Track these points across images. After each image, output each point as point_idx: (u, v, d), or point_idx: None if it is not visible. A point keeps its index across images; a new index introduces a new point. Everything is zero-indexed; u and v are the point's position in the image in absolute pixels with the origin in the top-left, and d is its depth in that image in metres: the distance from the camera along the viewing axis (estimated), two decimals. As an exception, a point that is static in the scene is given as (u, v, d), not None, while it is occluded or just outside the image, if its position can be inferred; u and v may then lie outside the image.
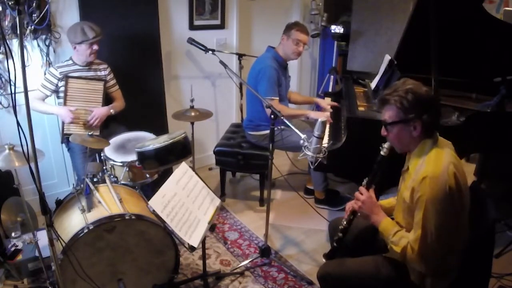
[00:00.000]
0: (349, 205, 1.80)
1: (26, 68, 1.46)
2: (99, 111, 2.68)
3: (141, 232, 2.03)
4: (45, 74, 2.69)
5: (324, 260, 1.85)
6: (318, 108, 3.50)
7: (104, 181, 2.30)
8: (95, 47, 2.60)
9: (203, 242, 2.14)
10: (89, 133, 2.24)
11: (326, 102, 3.28)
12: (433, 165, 1.49)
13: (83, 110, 2.67)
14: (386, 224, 1.64)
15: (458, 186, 1.48)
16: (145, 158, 2.26)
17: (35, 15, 2.60)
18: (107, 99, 2.81)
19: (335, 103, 3.24)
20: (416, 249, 1.49)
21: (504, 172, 2.98)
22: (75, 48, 2.59)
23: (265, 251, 2.56)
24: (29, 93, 1.45)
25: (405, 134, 1.58)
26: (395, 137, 1.61)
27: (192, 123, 2.83)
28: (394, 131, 1.60)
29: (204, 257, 2.26)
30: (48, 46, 2.77)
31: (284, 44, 3.00)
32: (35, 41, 2.71)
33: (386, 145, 1.68)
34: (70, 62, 2.68)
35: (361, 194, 1.72)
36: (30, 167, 1.47)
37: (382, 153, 1.69)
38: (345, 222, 1.78)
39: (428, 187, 1.46)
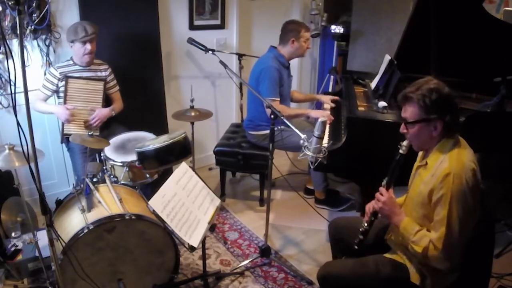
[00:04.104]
0: (369, 206, 1.76)
1: (26, 68, 1.46)
2: (101, 113, 2.68)
3: (141, 232, 2.03)
4: (45, 74, 2.69)
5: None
6: (319, 107, 3.51)
7: (104, 181, 2.30)
8: (89, 46, 2.57)
9: (203, 242, 2.14)
10: (89, 133, 2.24)
11: (327, 98, 3.30)
12: (456, 162, 1.49)
13: (83, 109, 2.67)
14: (406, 224, 1.62)
15: (478, 185, 1.50)
16: (145, 158, 2.26)
17: (35, 15, 2.60)
18: (106, 100, 2.81)
19: (336, 97, 3.26)
20: (440, 247, 1.48)
21: (504, 172, 2.98)
22: (72, 47, 2.60)
23: (265, 251, 2.56)
24: (30, 93, 1.45)
25: (425, 133, 1.58)
26: (414, 135, 1.60)
27: (192, 123, 2.83)
28: (414, 130, 1.59)
29: (204, 257, 2.26)
30: (48, 46, 2.77)
31: (294, 46, 3.01)
32: (35, 41, 2.71)
33: (405, 143, 1.65)
34: (71, 62, 2.68)
35: (381, 195, 1.68)
36: (30, 167, 1.47)
37: (401, 151, 1.65)
38: (365, 224, 1.75)
39: (453, 184, 1.45)
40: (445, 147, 1.56)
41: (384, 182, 1.71)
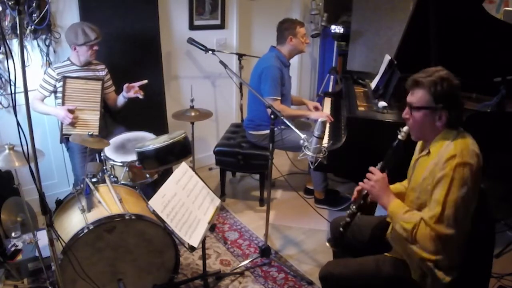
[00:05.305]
0: (359, 184, 1.73)
1: (26, 68, 1.46)
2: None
3: (141, 232, 2.03)
4: (44, 74, 2.69)
5: (327, 245, 1.81)
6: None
7: (104, 181, 2.30)
8: (96, 47, 2.61)
9: (203, 242, 2.14)
10: (89, 133, 2.24)
11: (312, 104, 3.32)
12: (461, 147, 1.48)
13: (82, 109, 2.66)
14: (396, 204, 1.60)
15: (481, 170, 1.48)
16: (145, 158, 2.26)
17: (35, 15, 2.60)
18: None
19: (317, 104, 3.30)
20: (432, 225, 1.46)
21: (504, 172, 2.98)
22: (75, 49, 2.59)
23: (265, 251, 2.56)
24: (29, 93, 1.45)
25: (429, 122, 1.55)
26: (417, 122, 1.58)
27: (192, 123, 2.83)
28: (418, 115, 1.56)
29: (204, 257, 2.27)
30: (48, 46, 2.77)
31: (293, 43, 3.03)
32: (35, 41, 2.71)
33: (405, 129, 1.63)
34: (68, 62, 2.67)
35: (373, 174, 1.66)
36: (30, 167, 1.47)
37: (399, 137, 1.63)
38: (354, 207, 1.73)
39: (456, 165, 1.44)
40: (449, 136, 1.55)
41: (378, 166, 1.69)
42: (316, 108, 3.24)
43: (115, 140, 2.57)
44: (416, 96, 1.56)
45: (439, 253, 1.50)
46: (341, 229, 1.76)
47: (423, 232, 1.48)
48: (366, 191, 1.71)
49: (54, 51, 2.82)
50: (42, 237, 2.12)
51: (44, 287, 2.25)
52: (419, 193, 1.61)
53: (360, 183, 1.72)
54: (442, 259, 1.52)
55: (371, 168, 1.68)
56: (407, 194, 1.75)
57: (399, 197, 1.73)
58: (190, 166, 2.10)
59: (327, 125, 2.77)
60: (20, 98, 2.11)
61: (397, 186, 1.89)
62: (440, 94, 1.50)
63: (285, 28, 3.02)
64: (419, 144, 1.75)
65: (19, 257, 2.33)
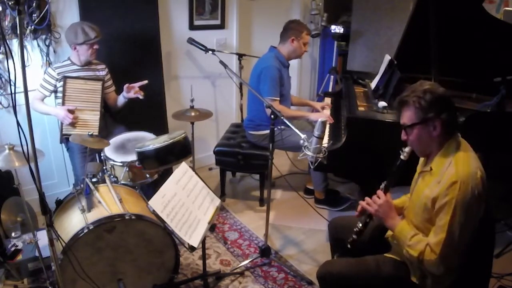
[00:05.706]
0: (362, 205, 1.74)
1: (26, 68, 1.46)
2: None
3: (141, 232, 2.03)
4: (44, 73, 2.69)
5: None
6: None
7: (104, 181, 2.30)
8: (96, 46, 2.61)
9: (203, 242, 2.14)
10: (89, 133, 2.24)
11: (320, 104, 3.30)
12: (462, 169, 1.49)
13: (82, 109, 2.66)
14: (402, 228, 1.62)
15: (484, 193, 1.49)
16: (145, 158, 2.26)
17: (35, 15, 2.60)
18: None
19: (328, 104, 3.27)
20: (438, 252, 1.48)
21: (504, 172, 2.98)
22: (75, 48, 2.59)
23: (265, 251, 2.56)
24: (29, 93, 1.45)
25: (425, 135, 1.57)
26: (415, 139, 1.60)
27: (192, 123, 2.83)
28: (414, 133, 1.59)
29: (204, 257, 2.27)
30: (48, 46, 2.77)
31: (293, 45, 3.02)
32: (35, 41, 2.71)
33: (406, 149, 1.65)
34: (68, 62, 2.67)
35: (378, 197, 1.68)
36: (30, 167, 1.47)
37: (402, 157, 1.66)
38: (360, 225, 1.75)
39: (459, 191, 1.45)
40: (449, 151, 1.56)
41: (382, 185, 1.71)
42: (324, 108, 3.22)
43: (115, 140, 2.57)
44: (406, 116, 1.60)
45: (441, 271, 1.52)
46: (348, 246, 1.77)
47: (429, 258, 1.51)
48: None
49: (54, 51, 2.82)
50: (42, 237, 2.12)
51: (44, 287, 2.25)
52: (418, 209, 1.63)
53: (364, 204, 1.73)
54: (444, 272, 1.53)
55: (378, 192, 1.70)
56: (408, 205, 1.77)
57: (403, 210, 1.77)
58: (190, 166, 2.10)
59: (327, 125, 2.77)
60: (20, 98, 2.11)
61: (403, 199, 1.89)
62: (426, 106, 1.53)
63: (291, 28, 3.02)
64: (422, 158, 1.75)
65: (19, 257, 2.33)
